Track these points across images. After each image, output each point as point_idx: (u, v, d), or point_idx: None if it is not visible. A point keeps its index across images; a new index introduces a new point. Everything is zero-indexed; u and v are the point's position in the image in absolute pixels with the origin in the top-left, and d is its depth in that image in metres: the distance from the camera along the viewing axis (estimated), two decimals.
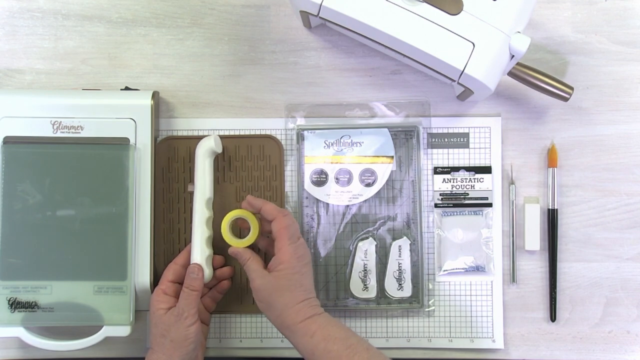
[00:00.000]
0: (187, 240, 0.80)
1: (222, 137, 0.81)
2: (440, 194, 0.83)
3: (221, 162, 0.82)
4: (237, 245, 0.77)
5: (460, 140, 0.83)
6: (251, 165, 0.82)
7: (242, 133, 0.83)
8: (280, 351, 0.83)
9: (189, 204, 0.81)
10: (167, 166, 0.82)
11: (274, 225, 0.74)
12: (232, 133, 0.83)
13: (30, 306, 0.78)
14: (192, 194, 0.78)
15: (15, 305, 0.78)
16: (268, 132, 0.84)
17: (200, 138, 0.80)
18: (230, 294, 0.82)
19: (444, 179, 0.83)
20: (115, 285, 0.78)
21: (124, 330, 0.78)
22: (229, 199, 0.82)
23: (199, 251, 0.77)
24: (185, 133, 0.84)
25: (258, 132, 0.84)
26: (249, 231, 0.77)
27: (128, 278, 0.78)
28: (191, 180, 0.80)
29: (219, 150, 0.79)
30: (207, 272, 0.77)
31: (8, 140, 0.78)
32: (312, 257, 0.81)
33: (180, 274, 0.77)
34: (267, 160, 0.82)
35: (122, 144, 0.78)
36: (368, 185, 0.82)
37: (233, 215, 0.77)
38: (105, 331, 0.78)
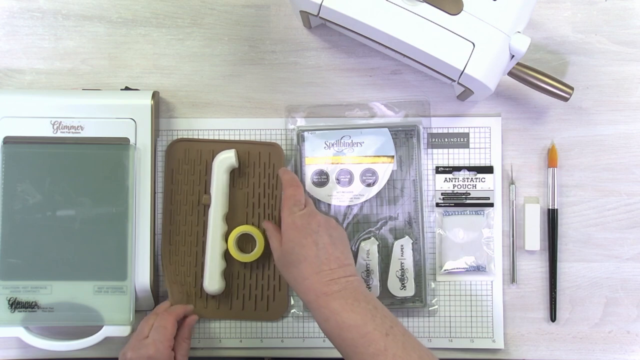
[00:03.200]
0: (192, 243, 0.81)
1: (231, 143, 0.82)
2: (442, 194, 0.83)
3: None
4: (243, 260, 0.79)
5: (461, 140, 0.83)
6: (260, 172, 0.81)
7: (247, 138, 0.83)
8: (278, 351, 0.83)
9: (196, 207, 0.81)
10: (178, 168, 0.82)
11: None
12: (233, 134, 0.83)
13: (30, 306, 0.78)
14: (206, 205, 0.80)
15: (15, 305, 0.78)
16: (268, 132, 0.83)
17: (211, 142, 0.81)
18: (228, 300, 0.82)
19: (446, 178, 0.83)
20: (115, 285, 0.78)
21: (124, 330, 0.78)
22: (239, 206, 0.81)
23: (217, 265, 0.78)
24: (185, 133, 0.84)
25: (257, 132, 0.83)
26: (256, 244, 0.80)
27: (128, 278, 0.78)
28: (206, 190, 0.80)
29: (237, 164, 0.80)
30: (222, 284, 0.79)
31: (8, 140, 0.78)
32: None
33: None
34: (273, 168, 0.82)
35: (122, 144, 0.78)
36: (369, 185, 0.82)
37: (239, 231, 0.79)
38: (105, 331, 0.78)
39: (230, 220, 0.81)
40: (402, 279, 0.81)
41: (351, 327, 0.65)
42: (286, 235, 0.70)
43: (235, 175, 0.81)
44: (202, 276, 0.80)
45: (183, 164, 0.81)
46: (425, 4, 0.71)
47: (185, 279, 0.81)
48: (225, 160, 0.79)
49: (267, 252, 0.80)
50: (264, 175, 0.81)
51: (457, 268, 0.82)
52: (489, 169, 0.83)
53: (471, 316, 0.83)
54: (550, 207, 0.82)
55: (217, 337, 0.83)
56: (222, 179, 0.79)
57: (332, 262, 0.69)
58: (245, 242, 0.81)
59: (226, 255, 0.80)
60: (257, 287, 0.81)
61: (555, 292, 0.82)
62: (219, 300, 0.81)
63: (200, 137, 0.83)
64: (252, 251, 0.80)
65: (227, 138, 0.83)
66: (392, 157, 0.83)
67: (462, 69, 0.70)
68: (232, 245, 0.79)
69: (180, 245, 0.81)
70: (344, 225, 0.82)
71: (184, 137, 0.82)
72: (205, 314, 0.81)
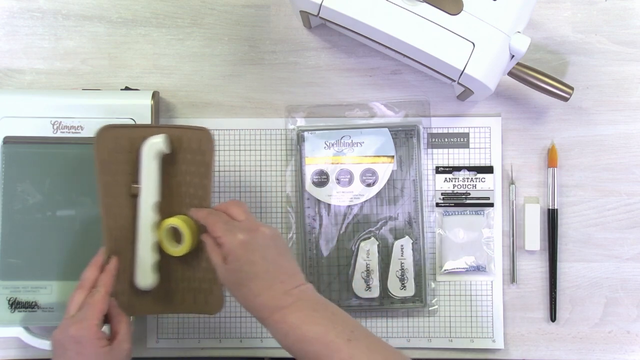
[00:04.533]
0: (127, 236, 0.74)
1: (161, 128, 0.76)
2: (442, 194, 0.83)
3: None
4: (172, 253, 0.74)
5: (461, 140, 0.83)
6: (191, 158, 0.75)
7: (239, 137, 0.82)
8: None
9: (130, 197, 0.75)
10: (109, 157, 0.74)
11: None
12: (233, 134, 0.83)
13: (30, 306, 0.78)
14: (135, 196, 0.74)
15: (15, 305, 0.78)
16: (268, 132, 0.83)
17: (139, 127, 0.76)
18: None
19: (446, 178, 0.83)
20: None
21: None
22: (173, 195, 0.76)
23: (148, 258, 0.73)
24: None
25: (257, 132, 0.84)
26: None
27: None
28: (135, 179, 0.74)
29: (168, 150, 0.74)
30: (154, 278, 0.74)
31: (8, 140, 0.78)
32: (312, 254, 0.80)
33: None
34: (203, 155, 0.75)
35: None
36: (369, 185, 0.82)
37: (168, 223, 0.73)
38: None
39: (165, 210, 0.74)
40: (402, 279, 0.81)
41: (312, 340, 0.62)
42: (231, 254, 0.65)
43: (168, 162, 0.75)
44: None
45: (113, 153, 0.74)
46: (425, 4, 0.71)
47: (122, 274, 0.74)
48: (153, 146, 0.73)
49: (200, 245, 0.74)
50: (192, 162, 0.75)
51: (457, 268, 0.82)
52: (489, 169, 0.83)
53: (471, 316, 0.83)
54: (550, 207, 0.82)
55: (217, 337, 0.83)
56: (151, 166, 0.73)
57: (283, 274, 0.66)
58: (181, 234, 0.75)
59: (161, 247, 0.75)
60: (195, 279, 0.76)
61: (555, 292, 0.82)
62: (156, 295, 0.76)
63: None
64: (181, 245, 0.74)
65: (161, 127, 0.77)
66: (392, 157, 0.83)
67: (462, 69, 0.70)
68: (162, 237, 0.73)
69: (117, 239, 0.74)
70: (344, 225, 0.82)
71: (112, 124, 0.75)
72: (142, 309, 0.76)
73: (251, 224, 0.68)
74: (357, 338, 0.63)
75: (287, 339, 0.63)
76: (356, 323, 0.65)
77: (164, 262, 0.75)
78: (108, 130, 0.73)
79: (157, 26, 0.85)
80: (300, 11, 0.76)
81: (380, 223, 0.82)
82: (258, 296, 0.65)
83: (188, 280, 0.76)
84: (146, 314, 0.78)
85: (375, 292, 0.81)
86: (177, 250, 0.73)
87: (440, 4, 0.70)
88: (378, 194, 0.82)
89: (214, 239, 0.68)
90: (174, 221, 0.73)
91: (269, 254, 0.66)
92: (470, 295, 0.83)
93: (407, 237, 0.82)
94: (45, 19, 0.85)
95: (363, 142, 0.83)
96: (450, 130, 0.84)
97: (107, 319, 0.71)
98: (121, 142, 0.74)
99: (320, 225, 0.82)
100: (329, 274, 0.82)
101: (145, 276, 0.74)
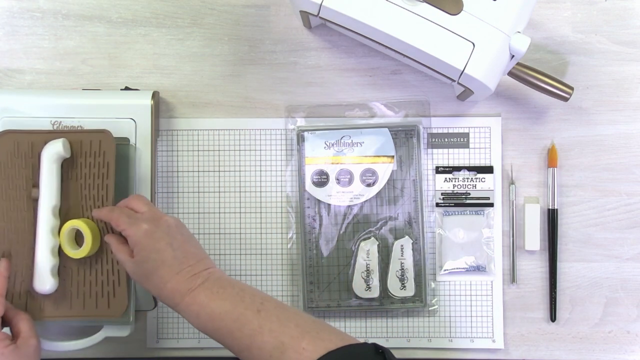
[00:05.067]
0: (25, 241, 0.75)
1: (62, 132, 0.77)
2: (442, 194, 0.83)
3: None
4: (72, 256, 0.74)
5: (461, 140, 0.83)
6: (91, 162, 0.76)
7: (234, 137, 0.82)
8: None
9: (30, 202, 0.76)
10: (8, 161, 0.76)
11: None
12: (233, 134, 0.83)
13: None
14: (36, 200, 0.74)
15: None
16: (268, 132, 0.84)
17: (39, 133, 0.76)
18: None
19: (446, 178, 0.83)
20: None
21: (124, 330, 0.78)
22: (73, 199, 0.76)
23: (46, 262, 0.73)
24: (185, 133, 0.84)
25: (257, 132, 0.84)
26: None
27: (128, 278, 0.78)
28: (35, 183, 0.75)
29: (68, 154, 0.75)
30: (54, 282, 0.74)
31: None
32: (312, 254, 0.80)
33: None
34: (104, 156, 0.76)
35: (122, 144, 0.78)
36: (369, 185, 0.82)
37: (69, 225, 0.74)
38: (105, 331, 0.78)
39: (65, 214, 0.75)
40: (402, 279, 0.81)
41: (222, 315, 0.64)
42: (138, 245, 0.66)
43: (69, 166, 0.76)
44: None
45: (14, 157, 0.76)
46: (425, 4, 0.70)
47: (18, 279, 0.75)
48: (53, 150, 0.74)
49: (103, 246, 0.75)
50: (94, 164, 0.76)
51: (457, 268, 0.82)
52: (489, 169, 0.83)
53: (471, 316, 0.83)
54: (550, 207, 0.82)
55: None
56: (50, 170, 0.74)
57: (190, 258, 0.67)
58: (82, 237, 0.75)
59: (60, 251, 0.75)
60: (97, 283, 0.75)
61: (555, 292, 0.82)
62: (56, 300, 0.75)
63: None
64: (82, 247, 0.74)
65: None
66: (392, 157, 0.83)
67: (462, 69, 0.70)
68: (63, 240, 0.73)
69: (14, 243, 0.75)
70: (344, 225, 0.82)
71: (11, 129, 0.77)
72: (41, 315, 0.75)
73: (154, 214, 0.69)
74: (267, 309, 0.64)
75: (199, 319, 0.65)
76: (266, 296, 0.67)
77: (65, 267, 0.76)
78: (8, 135, 0.76)
79: (157, 26, 0.85)
80: (300, 11, 0.76)
81: (380, 223, 0.82)
82: (168, 282, 0.66)
83: (89, 284, 0.76)
84: (44, 320, 0.76)
85: (375, 292, 0.81)
86: (78, 252, 0.74)
87: (440, 4, 0.70)
88: (378, 194, 0.82)
89: (118, 237, 0.70)
90: (76, 223, 0.74)
91: (175, 241, 0.67)
92: (470, 295, 0.83)
93: (407, 237, 0.82)
94: (45, 19, 0.85)
95: (363, 142, 0.83)
96: (450, 130, 0.84)
97: (5, 322, 0.71)
98: (21, 146, 0.76)
99: (320, 225, 0.82)
100: (329, 274, 0.82)
101: (44, 280, 0.74)
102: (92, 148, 0.76)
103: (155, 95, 0.81)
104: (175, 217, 0.71)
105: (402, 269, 0.81)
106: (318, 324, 0.65)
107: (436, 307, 0.82)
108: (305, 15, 0.78)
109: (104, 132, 0.76)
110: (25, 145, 0.76)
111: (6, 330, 0.70)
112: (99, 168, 0.76)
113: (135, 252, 0.67)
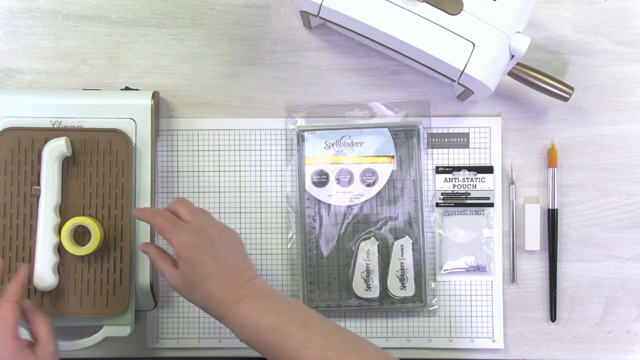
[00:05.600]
0: (26, 237, 0.76)
1: (64, 131, 0.77)
2: (442, 194, 0.83)
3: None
4: (77, 253, 0.74)
5: (461, 140, 0.83)
6: (98, 160, 0.77)
7: (236, 137, 0.82)
8: None
9: (29, 199, 0.76)
10: (9, 158, 0.77)
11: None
12: (233, 134, 0.84)
13: None
14: (37, 197, 0.75)
15: None
16: (268, 132, 0.84)
17: (42, 130, 0.77)
18: None
19: (446, 178, 0.83)
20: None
21: (124, 330, 0.78)
22: (75, 197, 0.77)
23: (48, 259, 0.74)
24: (184, 133, 0.84)
25: (257, 132, 0.84)
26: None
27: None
28: (37, 180, 0.76)
29: (69, 153, 0.76)
30: (54, 279, 0.75)
31: None
32: (312, 254, 0.80)
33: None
34: (115, 155, 0.77)
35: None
36: (369, 185, 0.82)
37: (73, 222, 0.74)
38: (105, 331, 0.78)
39: (65, 212, 0.76)
40: (402, 279, 0.81)
41: (267, 328, 0.64)
42: (183, 257, 0.66)
43: (70, 164, 0.77)
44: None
45: (15, 154, 0.77)
46: (425, 4, 0.71)
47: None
48: (55, 148, 0.75)
49: (106, 244, 0.76)
50: (102, 163, 0.77)
51: (457, 268, 0.82)
52: (489, 169, 0.83)
53: (471, 316, 0.83)
54: (550, 207, 0.82)
55: (217, 337, 0.83)
56: (52, 168, 0.75)
57: (234, 269, 0.67)
58: (83, 235, 0.76)
59: (61, 249, 0.76)
60: (96, 281, 0.76)
61: (555, 292, 0.82)
62: (54, 297, 0.76)
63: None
64: (88, 244, 0.75)
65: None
66: (392, 157, 0.83)
67: (462, 69, 0.70)
68: (65, 237, 0.74)
69: (13, 240, 0.76)
70: (344, 225, 0.82)
71: (14, 125, 0.77)
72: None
73: (198, 224, 0.68)
74: (312, 324, 0.64)
75: (244, 331, 0.65)
76: (311, 311, 0.67)
77: (65, 264, 0.76)
78: (10, 132, 0.77)
79: (157, 26, 0.85)
80: (300, 11, 0.76)
81: (380, 223, 0.82)
82: (214, 294, 0.66)
83: (88, 282, 0.77)
84: None
85: (375, 292, 0.81)
86: (84, 249, 0.74)
87: (440, 4, 0.70)
88: (378, 194, 0.82)
89: (157, 247, 0.70)
90: (83, 220, 0.74)
91: (219, 252, 0.67)
92: (470, 295, 0.83)
93: (407, 237, 0.82)
94: (45, 19, 0.85)
95: (363, 142, 0.83)
96: (450, 130, 0.84)
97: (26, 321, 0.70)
98: (22, 143, 0.77)
99: (320, 225, 0.82)
100: (329, 274, 0.82)
101: (44, 277, 0.74)
102: (100, 147, 0.77)
103: (155, 95, 0.81)
104: (221, 223, 0.71)
105: (402, 269, 0.81)
106: (361, 341, 0.65)
107: (436, 307, 0.83)
108: (305, 15, 0.78)
109: (116, 132, 0.77)
110: (27, 142, 0.77)
111: (26, 334, 0.69)
112: (109, 167, 0.77)
113: (181, 264, 0.66)
